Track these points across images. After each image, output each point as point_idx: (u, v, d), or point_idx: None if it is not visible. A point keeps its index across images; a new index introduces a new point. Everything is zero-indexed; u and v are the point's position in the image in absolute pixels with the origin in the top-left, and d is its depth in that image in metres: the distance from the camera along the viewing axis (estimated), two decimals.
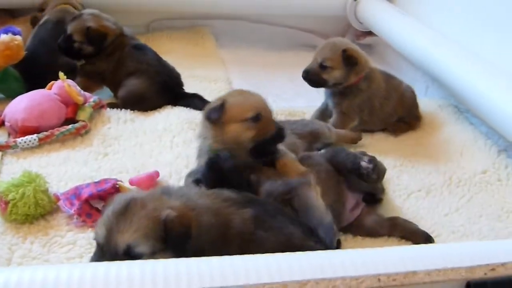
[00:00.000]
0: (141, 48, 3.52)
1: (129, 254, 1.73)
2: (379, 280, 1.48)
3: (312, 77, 3.11)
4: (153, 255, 1.75)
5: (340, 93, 3.17)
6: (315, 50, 3.18)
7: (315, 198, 2.14)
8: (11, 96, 3.14)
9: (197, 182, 2.23)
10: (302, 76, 3.12)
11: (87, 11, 3.52)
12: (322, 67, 3.07)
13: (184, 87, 3.53)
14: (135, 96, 3.32)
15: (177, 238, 1.76)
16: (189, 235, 1.79)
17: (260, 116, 2.24)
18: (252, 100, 2.29)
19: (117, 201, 1.84)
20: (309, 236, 2.00)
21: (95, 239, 1.82)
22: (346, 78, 3.09)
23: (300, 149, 2.66)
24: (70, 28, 3.39)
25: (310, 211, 2.09)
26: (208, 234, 1.86)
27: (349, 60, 3.04)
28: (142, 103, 3.30)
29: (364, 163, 2.31)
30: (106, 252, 1.76)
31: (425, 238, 2.32)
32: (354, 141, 3.05)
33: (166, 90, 3.39)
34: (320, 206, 2.10)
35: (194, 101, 3.35)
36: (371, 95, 3.18)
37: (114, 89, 3.46)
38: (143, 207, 1.79)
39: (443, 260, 1.58)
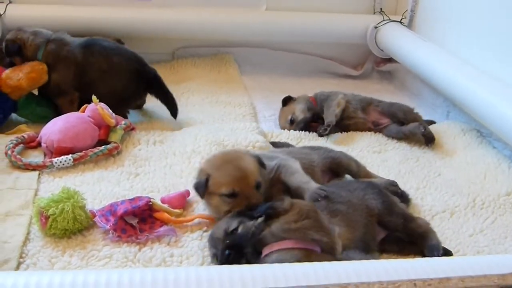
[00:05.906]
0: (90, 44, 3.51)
1: None
2: (415, 285, 1.52)
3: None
4: None
5: None
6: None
7: (297, 167, 2.53)
8: (38, 120, 3.25)
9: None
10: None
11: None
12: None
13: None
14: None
15: None
16: None
17: (235, 192, 2.32)
18: (231, 175, 2.35)
19: None
20: None
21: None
22: None
23: (318, 171, 2.74)
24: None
25: (295, 176, 2.48)
26: None
27: None
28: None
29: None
30: None
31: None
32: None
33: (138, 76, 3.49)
34: (300, 171, 2.52)
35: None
36: None
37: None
38: None
39: (476, 267, 1.62)
